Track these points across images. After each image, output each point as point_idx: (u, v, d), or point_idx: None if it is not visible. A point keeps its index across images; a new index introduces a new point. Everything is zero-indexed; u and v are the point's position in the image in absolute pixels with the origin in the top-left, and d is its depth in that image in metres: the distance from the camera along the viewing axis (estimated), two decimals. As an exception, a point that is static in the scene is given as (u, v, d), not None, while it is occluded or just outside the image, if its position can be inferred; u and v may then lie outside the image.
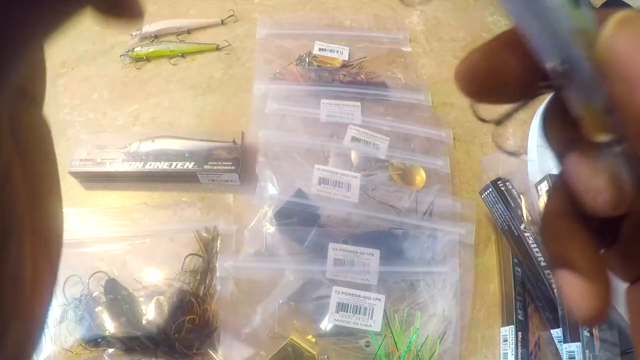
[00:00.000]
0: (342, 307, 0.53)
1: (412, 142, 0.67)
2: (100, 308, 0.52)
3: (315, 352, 0.51)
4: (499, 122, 0.17)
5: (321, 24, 0.83)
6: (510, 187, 0.59)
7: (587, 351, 0.47)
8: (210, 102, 0.72)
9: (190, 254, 0.56)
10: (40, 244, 0.14)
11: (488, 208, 0.61)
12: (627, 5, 0.74)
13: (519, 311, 0.54)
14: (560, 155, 0.16)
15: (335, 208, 0.59)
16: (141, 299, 0.52)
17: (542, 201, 0.57)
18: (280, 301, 0.53)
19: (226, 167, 0.61)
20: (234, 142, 0.63)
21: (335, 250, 0.55)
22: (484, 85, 0.15)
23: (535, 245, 0.55)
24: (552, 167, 0.63)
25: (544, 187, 0.57)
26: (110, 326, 0.50)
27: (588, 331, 0.48)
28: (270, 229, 0.57)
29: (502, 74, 0.15)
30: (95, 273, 0.54)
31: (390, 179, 0.63)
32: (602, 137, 0.14)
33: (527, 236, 0.55)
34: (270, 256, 0.56)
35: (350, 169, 0.62)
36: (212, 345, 0.51)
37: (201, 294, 0.54)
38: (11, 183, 0.12)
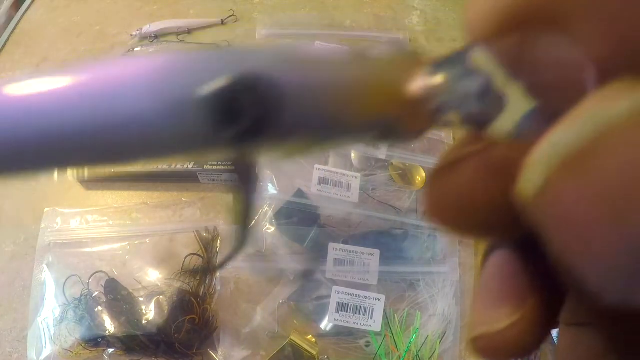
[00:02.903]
0: (342, 307, 0.53)
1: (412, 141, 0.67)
2: (100, 308, 0.52)
3: (315, 352, 0.51)
4: None
5: (321, 24, 0.83)
6: (510, 187, 0.59)
7: (587, 351, 0.47)
8: (210, 102, 0.72)
9: (190, 254, 0.56)
10: None
11: (488, 208, 0.61)
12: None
13: (519, 311, 0.54)
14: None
15: (335, 208, 0.59)
16: (141, 299, 0.52)
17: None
18: (280, 301, 0.53)
19: (226, 167, 0.61)
20: (234, 142, 0.63)
21: (335, 250, 0.55)
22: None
23: (535, 245, 0.55)
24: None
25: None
26: (110, 326, 0.50)
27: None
28: (270, 228, 0.57)
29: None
30: (95, 273, 0.54)
31: (390, 179, 0.63)
32: None
33: (527, 236, 0.55)
34: (270, 256, 0.56)
35: (350, 169, 0.62)
36: (212, 345, 0.51)
37: (201, 294, 0.54)
38: None
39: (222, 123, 0.09)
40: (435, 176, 0.12)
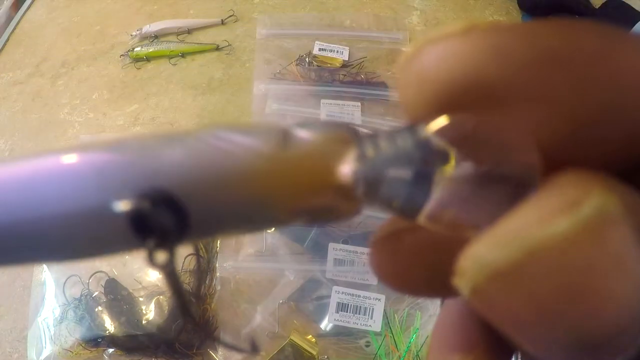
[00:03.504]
0: (342, 307, 0.53)
1: (412, 142, 0.67)
2: (100, 308, 0.52)
3: (315, 352, 0.51)
4: None
5: (321, 24, 0.83)
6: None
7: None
8: (210, 102, 0.72)
9: (190, 254, 0.56)
10: None
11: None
12: (628, 6, 0.73)
13: (519, 311, 0.54)
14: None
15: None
16: (141, 299, 0.52)
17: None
18: (280, 301, 0.53)
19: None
20: (234, 142, 0.63)
21: (335, 250, 0.55)
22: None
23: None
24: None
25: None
26: (110, 326, 0.50)
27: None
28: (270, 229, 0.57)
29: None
30: (95, 273, 0.54)
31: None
32: None
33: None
34: (270, 256, 0.56)
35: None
36: (212, 345, 0.51)
37: (201, 294, 0.54)
38: None
39: (137, 235, 0.10)
40: (377, 245, 0.11)
